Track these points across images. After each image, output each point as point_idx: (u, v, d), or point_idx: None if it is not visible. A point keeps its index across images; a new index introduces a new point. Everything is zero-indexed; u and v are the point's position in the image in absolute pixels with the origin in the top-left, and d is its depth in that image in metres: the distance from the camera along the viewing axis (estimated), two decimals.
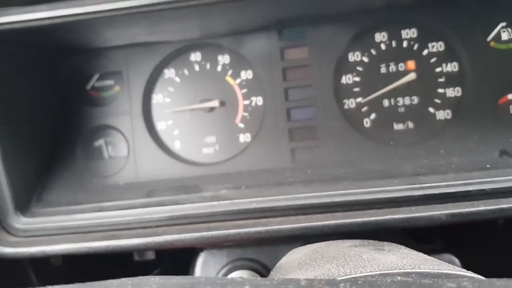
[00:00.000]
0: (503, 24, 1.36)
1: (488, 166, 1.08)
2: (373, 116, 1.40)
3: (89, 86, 1.50)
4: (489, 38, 1.36)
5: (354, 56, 1.41)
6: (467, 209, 0.99)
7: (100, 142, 1.48)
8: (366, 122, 1.40)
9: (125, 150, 1.46)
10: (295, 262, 0.81)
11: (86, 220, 1.17)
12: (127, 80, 1.46)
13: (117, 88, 1.49)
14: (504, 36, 1.37)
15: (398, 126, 1.39)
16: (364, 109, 1.40)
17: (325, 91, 1.39)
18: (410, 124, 1.38)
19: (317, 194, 1.10)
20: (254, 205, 1.10)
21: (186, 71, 1.47)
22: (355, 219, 1.05)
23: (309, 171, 1.24)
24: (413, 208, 1.04)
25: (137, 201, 1.19)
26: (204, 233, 1.06)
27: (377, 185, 1.09)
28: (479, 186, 1.02)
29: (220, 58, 1.46)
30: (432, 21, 1.38)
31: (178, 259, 1.45)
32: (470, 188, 1.02)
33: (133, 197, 1.22)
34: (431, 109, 1.38)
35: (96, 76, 1.50)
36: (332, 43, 1.40)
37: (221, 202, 1.13)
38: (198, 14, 1.19)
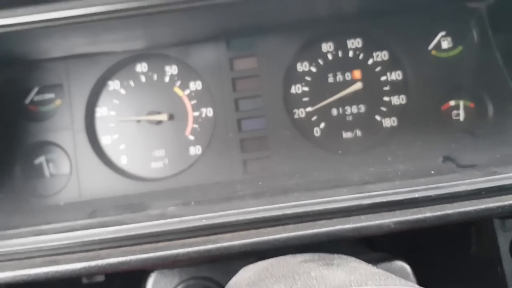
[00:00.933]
0: (443, 33, 1.42)
1: (432, 172, 1.11)
2: (322, 125, 1.41)
3: (27, 100, 1.41)
4: (430, 47, 1.41)
5: (302, 66, 1.42)
6: (414, 216, 1.01)
7: (40, 159, 1.39)
8: (316, 131, 1.41)
9: (67, 168, 1.38)
10: (245, 282, 0.78)
11: (22, 245, 1.08)
12: (68, 93, 1.38)
13: (58, 101, 1.41)
14: (444, 44, 1.42)
15: (346, 135, 1.41)
16: (314, 118, 1.41)
17: (275, 101, 1.39)
18: (358, 132, 1.41)
19: (268, 207, 1.08)
20: (204, 222, 1.06)
21: (132, 83, 1.42)
22: (306, 231, 1.03)
23: (260, 183, 1.22)
24: (362, 217, 1.04)
25: (78, 223, 1.12)
26: (151, 254, 1.00)
27: (327, 195, 1.09)
28: (424, 192, 1.04)
29: (167, 68, 1.42)
30: (376, 30, 1.42)
31: (129, 280, 1.38)
32: (416, 195, 1.04)
33: (75, 218, 1.15)
34: (377, 117, 1.41)
35: (35, 90, 1.41)
36: (281, 53, 1.40)
37: (169, 220, 1.08)
38: (142, 24, 1.15)
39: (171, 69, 1.42)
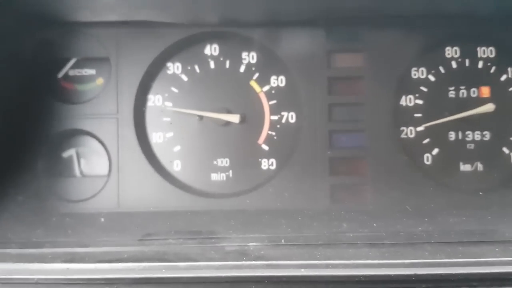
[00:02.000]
0: None
1: None
2: (435, 151, 1.10)
3: (61, 74, 1.09)
4: None
5: (418, 73, 1.10)
6: None
7: (70, 152, 1.09)
8: (427, 158, 1.10)
9: (104, 167, 1.07)
10: None
11: (49, 273, 0.78)
12: (115, 70, 1.07)
13: (99, 80, 1.10)
14: None
15: (465, 167, 1.09)
16: (426, 141, 1.10)
17: (380, 113, 1.08)
18: (480, 166, 1.09)
19: (392, 262, 0.78)
20: (303, 272, 0.76)
21: (197, 68, 1.10)
22: None
23: (375, 224, 0.91)
24: None
25: (127, 250, 0.82)
26: None
27: (473, 254, 0.78)
28: None
29: (245, 55, 1.10)
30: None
31: None
32: None
33: (121, 241, 0.85)
34: (505, 149, 1.10)
35: (72, 62, 1.09)
36: (394, 53, 1.09)
37: (253, 262, 0.78)
38: None
39: (249, 56, 1.10)
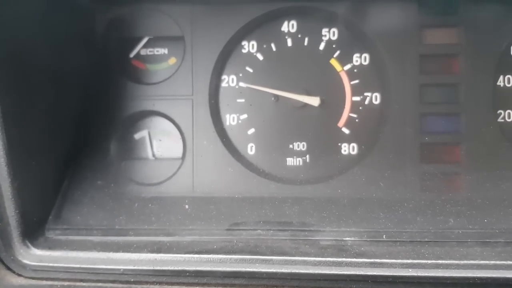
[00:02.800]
0: None
1: None
2: None
3: (133, 54, 1.05)
4: None
5: None
6: None
7: (142, 134, 1.05)
8: None
9: (178, 150, 1.03)
10: None
11: (135, 264, 0.75)
12: (190, 50, 1.02)
13: (172, 60, 1.05)
14: None
15: None
16: None
17: (479, 94, 0.97)
18: None
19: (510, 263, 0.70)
20: (410, 272, 0.69)
21: (273, 46, 1.04)
22: None
23: (485, 220, 0.82)
24: None
25: (214, 239, 0.78)
26: None
27: None
28: None
29: (325, 31, 1.02)
30: None
31: None
32: None
33: (205, 228, 0.81)
34: None
35: (144, 40, 1.05)
36: (493, 28, 0.98)
37: (355, 260, 0.72)
38: None
39: (330, 33, 1.02)
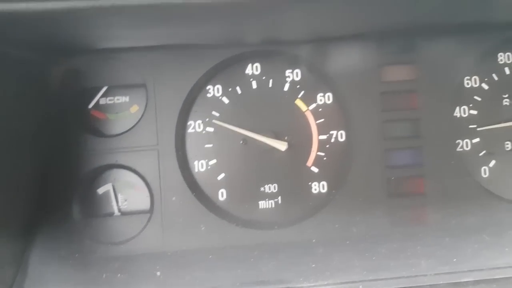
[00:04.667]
0: None
1: None
2: (492, 163, 1.05)
3: (92, 104, 1.00)
4: None
5: (471, 82, 1.05)
6: None
7: (106, 188, 1.00)
8: (484, 171, 1.04)
9: (145, 202, 0.99)
10: None
11: None
12: (153, 97, 0.98)
13: (134, 108, 1.01)
14: None
15: None
16: (482, 153, 1.04)
17: (436, 127, 1.02)
18: None
19: None
20: None
21: (238, 89, 1.03)
22: None
23: (454, 259, 0.84)
24: None
25: None
26: None
27: None
28: None
29: (288, 72, 1.03)
30: None
31: None
32: None
33: None
34: None
35: (103, 89, 1.00)
36: (447, 63, 1.03)
37: None
38: (258, 13, 0.75)
39: (294, 74, 1.03)
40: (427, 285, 0.77)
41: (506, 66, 1.06)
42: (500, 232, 0.93)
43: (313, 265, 0.84)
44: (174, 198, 0.97)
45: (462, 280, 0.77)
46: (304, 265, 0.85)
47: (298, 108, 1.04)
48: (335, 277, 0.80)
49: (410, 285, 0.77)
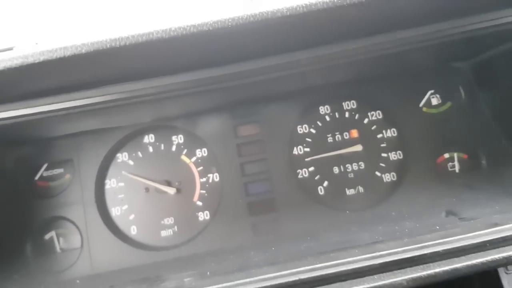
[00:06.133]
0: (432, 91, 1.52)
1: (437, 227, 1.16)
2: (325, 183, 1.46)
3: (37, 177, 1.44)
4: (421, 104, 1.50)
5: (303, 129, 1.49)
6: (425, 272, 1.04)
7: (51, 234, 1.41)
8: (320, 190, 1.45)
9: (78, 241, 1.39)
10: None
11: None
12: (78, 167, 1.43)
13: (67, 176, 1.44)
14: (434, 101, 1.52)
15: (350, 192, 1.45)
16: (317, 177, 1.46)
17: (280, 163, 1.45)
18: (361, 189, 1.46)
19: (284, 273, 1.10)
20: None
21: (140, 154, 1.47)
22: None
23: (273, 248, 1.25)
24: (375, 276, 1.07)
25: None
26: None
27: (340, 257, 1.12)
28: (433, 248, 1.08)
29: (174, 138, 1.48)
30: (368, 93, 1.51)
31: None
32: (425, 251, 1.08)
33: None
34: (377, 173, 1.47)
35: (44, 166, 1.45)
36: (282, 119, 1.48)
37: None
38: (152, 105, 1.21)
39: (178, 139, 1.48)
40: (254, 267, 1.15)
41: (326, 115, 1.50)
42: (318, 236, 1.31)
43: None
44: (97, 235, 1.38)
45: (277, 261, 1.15)
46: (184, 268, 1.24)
47: (184, 162, 1.47)
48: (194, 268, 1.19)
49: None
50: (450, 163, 1.46)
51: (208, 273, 1.17)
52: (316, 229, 1.35)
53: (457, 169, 1.46)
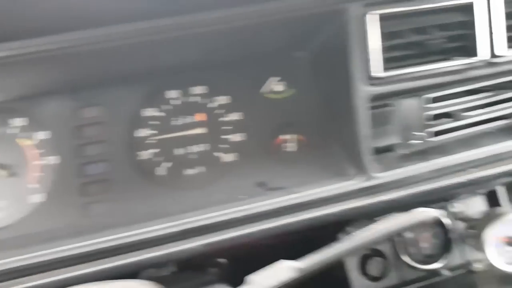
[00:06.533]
0: (275, 78, 1.61)
1: (242, 196, 1.23)
2: (166, 164, 1.49)
3: None
4: (262, 90, 1.59)
5: (146, 112, 1.52)
6: (219, 238, 1.10)
7: None
8: (160, 171, 1.49)
9: None
10: None
11: None
12: None
13: None
14: (278, 88, 1.61)
15: (189, 171, 1.50)
16: (157, 159, 1.49)
17: (119, 145, 1.46)
18: (202, 169, 1.50)
19: (87, 243, 1.13)
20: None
21: None
22: (120, 261, 1.09)
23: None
24: (176, 243, 1.12)
25: None
26: None
27: (146, 226, 1.16)
28: (232, 215, 1.15)
29: (10, 121, 1.46)
30: (218, 78, 1.57)
31: None
32: (223, 218, 1.14)
33: None
34: (219, 153, 1.53)
35: None
36: (126, 101, 1.50)
37: None
38: None
39: (15, 121, 1.46)
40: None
41: (171, 99, 1.55)
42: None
43: None
44: None
45: None
46: None
47: (19, 145, 1.45)
48: None
49: None
50: (286, 144, 1.55)
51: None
52: (147, 207, 1.37)
53: (291, 148, 1.55)
